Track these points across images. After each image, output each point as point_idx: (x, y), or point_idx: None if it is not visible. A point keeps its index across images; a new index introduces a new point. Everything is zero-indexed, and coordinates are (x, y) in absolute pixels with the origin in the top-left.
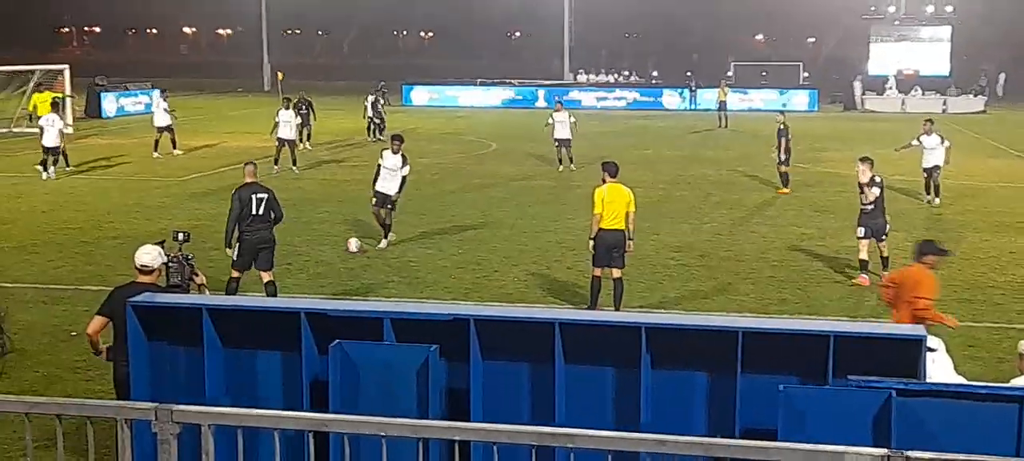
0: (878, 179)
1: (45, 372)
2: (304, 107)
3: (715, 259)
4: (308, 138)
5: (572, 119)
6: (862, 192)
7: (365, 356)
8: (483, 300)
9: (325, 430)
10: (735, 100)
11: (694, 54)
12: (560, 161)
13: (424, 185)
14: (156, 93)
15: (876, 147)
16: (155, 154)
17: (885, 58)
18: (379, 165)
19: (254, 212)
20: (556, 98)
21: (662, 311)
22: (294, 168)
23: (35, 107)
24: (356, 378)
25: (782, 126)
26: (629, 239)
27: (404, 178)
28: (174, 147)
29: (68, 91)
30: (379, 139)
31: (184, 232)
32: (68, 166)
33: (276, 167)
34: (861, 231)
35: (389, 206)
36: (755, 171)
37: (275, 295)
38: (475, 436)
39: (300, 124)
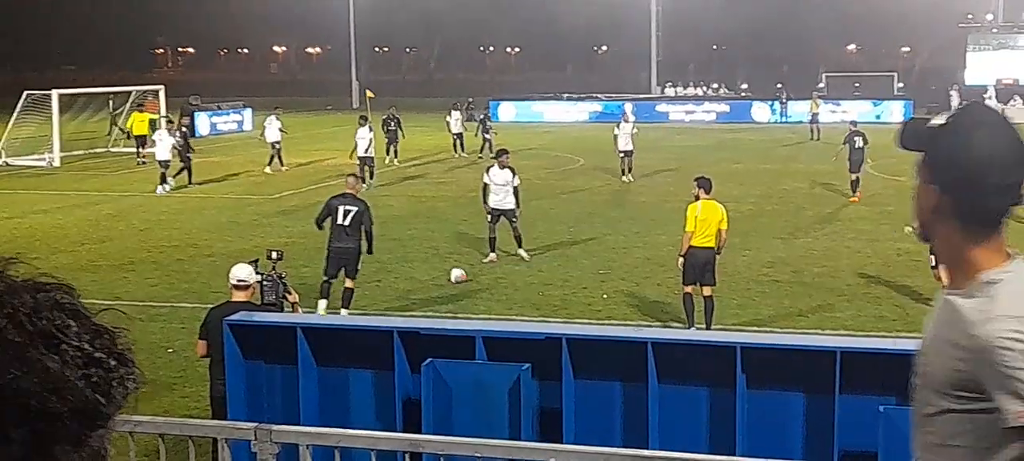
0: None
1: (144, 389)
2: (392, 123)
3: (809, 275)
4: (396, 155)
5: (634, 130)
6: None
7: (457, 374)
8: (572, 317)
9: (419, 451)
10: (827, 112)
11: (784, 66)
12: (623, 172)
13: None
14: (272, 116)
15: None
16: (267, 169)
17: (983, 67)
18: (485, 183)
19: (339, 221)
20: (624, 109)
21: (755, 328)
22: (371, 183)
23: (132, 126)
24: (448, 396)
25: (854, 136)
26: (717, 254)
27: (516, 189)
28: (281, 164)
29: (163, 111)
30: (485, 156)
31: (278, 251)
32: (190, 182)
33: (365, 183)
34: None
35: (513, 220)
36: (849, 185)
37: (349, 301)
38: (571, 459)
39: (388, 141)
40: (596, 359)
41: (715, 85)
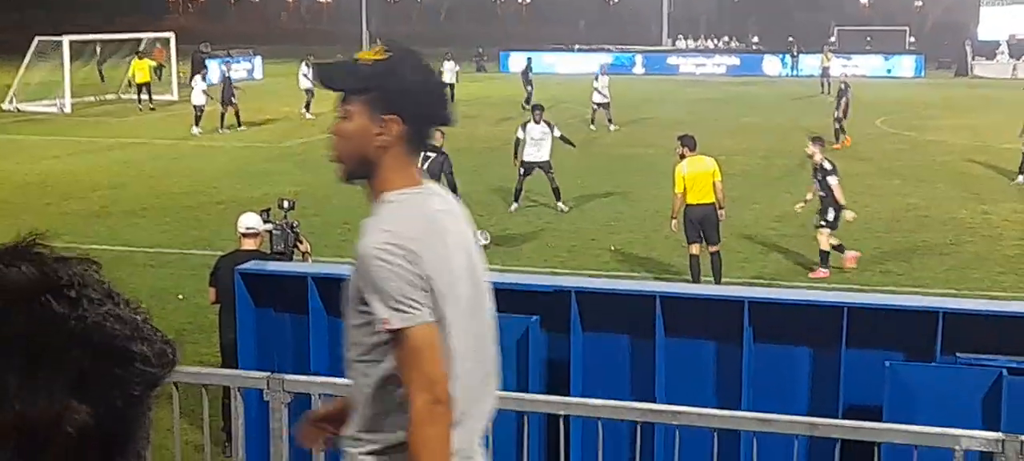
0: (828, 165)
1: None
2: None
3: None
4: None
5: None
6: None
7: None
8: (580, 269)
9: None
10: (838, 66)
11: (796, 17)
12: (609, 121)
13: None
14: (304, 63)
15: (984, 116)
16: (307, 115)
17: (997, 22)
18: (518, 138)
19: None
20: (602, 65)
21: (762, 282)
22: None
23: (135, 74)
24: None
25: (843, 86)
26: (720, 208)
27: (561, 138)
28: (308, 111)
29: (173, 58)
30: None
31: (290, 200)
32: (240, 125)
33: None
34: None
35: (549, 172)
36: (859, 139)
37: None
38: (580, 411)
39: None
40: (604, 312)
41: (726, 38)
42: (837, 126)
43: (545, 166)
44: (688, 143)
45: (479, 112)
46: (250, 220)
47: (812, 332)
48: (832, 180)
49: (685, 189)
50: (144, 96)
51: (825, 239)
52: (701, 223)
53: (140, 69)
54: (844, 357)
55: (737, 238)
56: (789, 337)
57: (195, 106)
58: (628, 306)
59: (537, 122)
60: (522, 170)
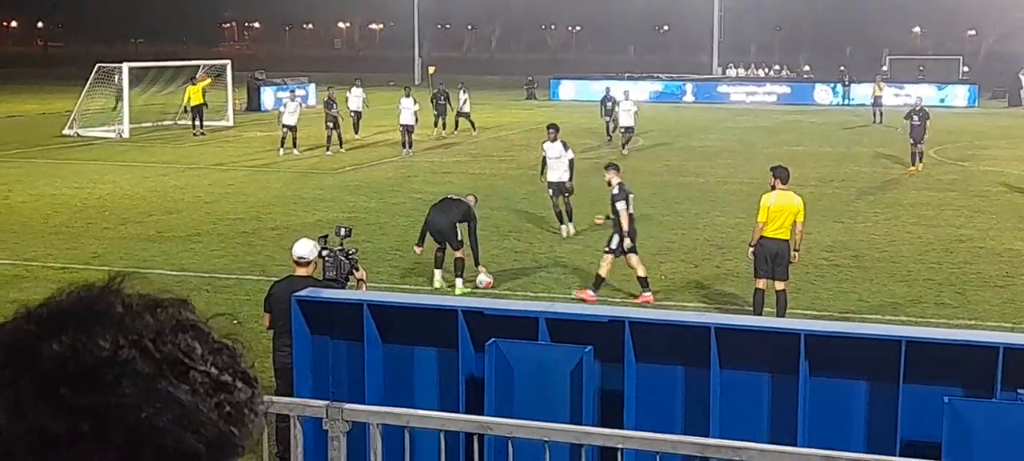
0: (616, 191)
1: None
2: (441, 98)
3: (870, 260)
4: (444, 127)
5: (635, 108)
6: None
7: (520, 355)
8: (629, 298)
9: (488, 433)
10: (890, 95)
11: (847, 48)
12: (624, 144)
13: None
14: (355, 87)
15: None
16: (356, 135)
17: None
18: (544, 158)
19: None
20: (624, 90)
21: (814, 312)
22: (408, 152)
23: (189, 99)
24: (511, 377)
25: (922, 111)
26: (794, 250)
27: (571, 162)
28: (356, 132)
29: (229, 85)
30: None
31: (346, 227)
32: (295, 148)
33: (405, 150)
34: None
35: (565, 194)
36: (909, 156)
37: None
38: (637, 445)
39: (437, 114)
40: (658, 343)
41: (777, 66)
42: (917, 150)
43: (560, 187)
44: (780, 175)
45: (528, 140)
46: (303, 249)
47: (869, 366)
48: (620, 205)
49: (766, 220)
50: (197, 120)
51: (607, 264)
52: (773, 258)
53: (194, 94)
54: (902, 392)
55: (792, 270)
56: (846, 371)
57: (286, 126)
58: (682, 337)
59: (553, 140)
60: (550, 191)
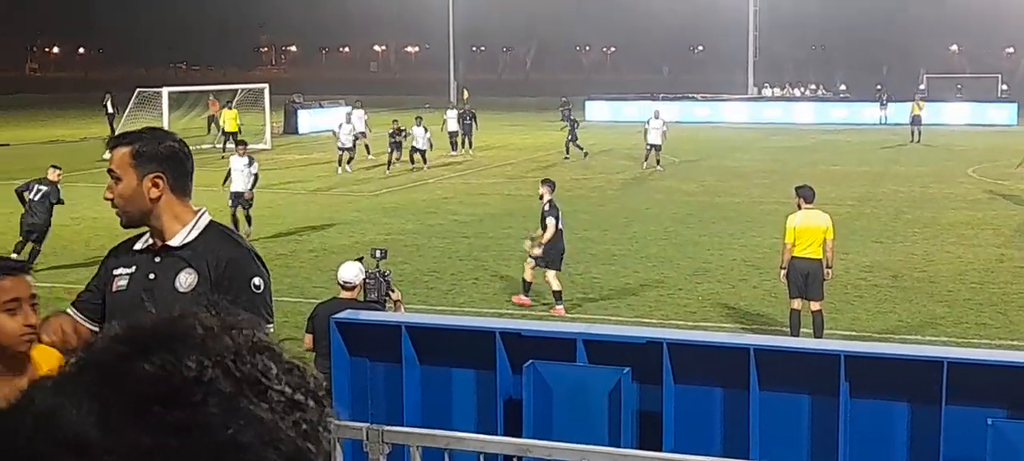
0: (547, 207)
1: None
2: (468, 118)
3: (909, 280)
4: (470, 146)
5: (665, 128)
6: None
7: (558, 377)
8: (667, 318)
9: (528, 455)
10: (931, 113)
11: (884, 67)
12: (645, 158)
13: (607, 200)
14: (354, 109)
15: None
16: (368, 156)
17: None
18: (229, 169)
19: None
20: (655, 110)
21: (853, 333)
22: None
23: (225, 123)
24: (549, 398)
25: None
26: (827, 268)
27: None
28: (368, 152)
29: (267, 108)
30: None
31: (381, 249)
32: (348, 165)
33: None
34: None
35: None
36: (950, 188)
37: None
38: None
39: (463, 134)
40: (697, 364)
41: (813, 85)
42: None
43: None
44: (805, 194)
45: (564, 161)
46: (348, 273)
47: (910, 387)
48: (550, 220)
49: (793, 241)
50: (230, 144)
51: (530, 270)
52: (806, 278)
53: (230, 118)
54: (944, 414)
55: (828, 288)
56: (887, 392)
57: (343, 148)
58: (721, 359)
59: (241, 155)
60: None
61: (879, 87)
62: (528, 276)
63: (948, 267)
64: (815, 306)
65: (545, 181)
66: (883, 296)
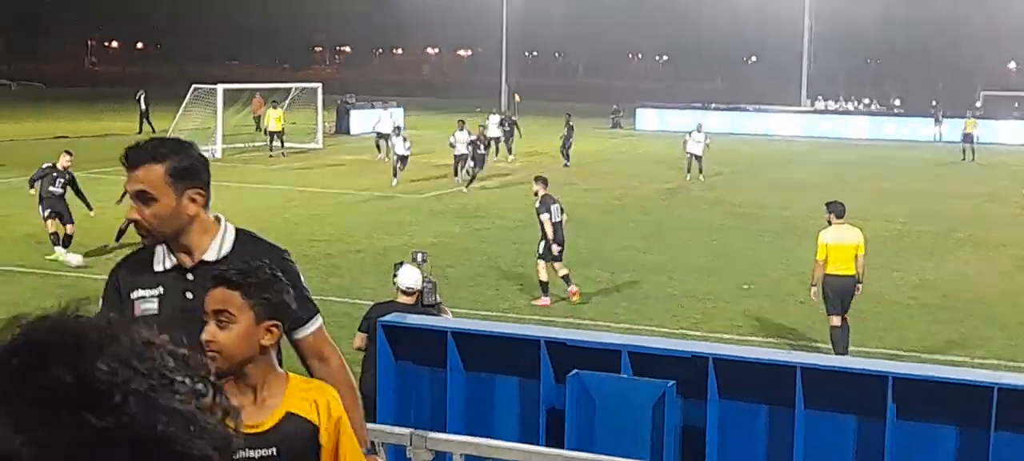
0: (539, 204)
1: None
2: (507, 124)
3: (960, 301)
4: (509, 152)
5: (707, 141)
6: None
7: (602, 388)
8: (712, 331)
9: None
10: (980, 131)
11: (940, 83)
12: (688, 169)
13: (654, 210)
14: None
15: None
16: (379, 156)
17: None
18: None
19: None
20: (698, 123)
21: (901, 352)
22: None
23: (269, 123)
24: (592, 409)
25: None
26: (858, 283)
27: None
28: (379, 152)
29: (319, 108)
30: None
31: (423, 253)
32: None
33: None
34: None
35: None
36: (1004, 208)
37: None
38: None
39: (504, 140)
40: (742, 380)
41: (866, 100)
42: None
43: None
44: (835, 210)
45: (612, 169)
46: (409, 279)
47: (959, 411)
48: (543, 217)
49: (826, 257)
50: (276, 143)
51: (543, 270)
52: (842, 294)
53: (274, 118)
54: (993, 440)
55: (875, 306)
56: (934, 416)
57: (400, 156)
58: (767, 376)
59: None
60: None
61: (934, 103)
62: (543, 277)
63: (1000, 288)
64: (843, 319)
65: (538, 178)
66: (932, 316)
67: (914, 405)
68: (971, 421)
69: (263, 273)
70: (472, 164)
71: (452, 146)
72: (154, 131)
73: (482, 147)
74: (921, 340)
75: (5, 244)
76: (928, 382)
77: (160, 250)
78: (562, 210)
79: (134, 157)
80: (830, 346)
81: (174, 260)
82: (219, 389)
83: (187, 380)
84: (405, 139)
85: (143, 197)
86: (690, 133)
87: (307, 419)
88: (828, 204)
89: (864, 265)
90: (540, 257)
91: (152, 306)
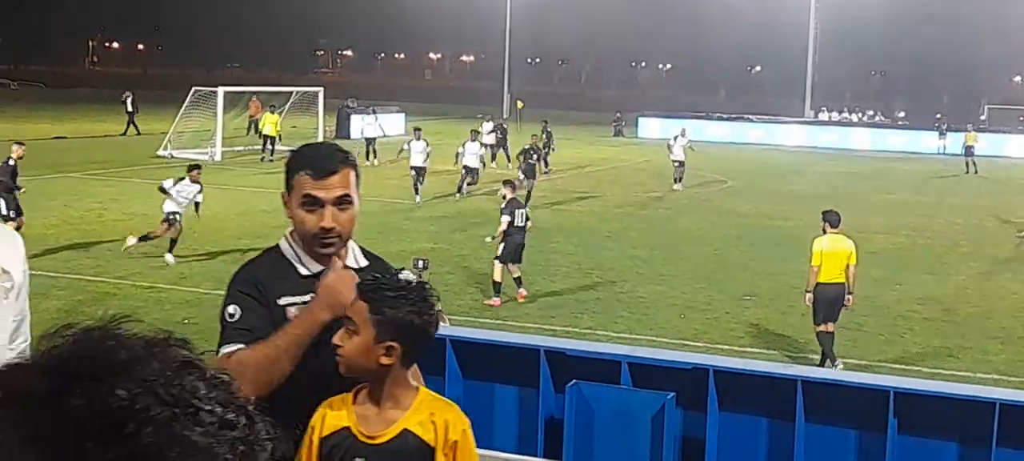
0: (503, 205)
1: None
2: (498, 132)
3: (962, 314)
4: (508, 159)
5: (691, 146)
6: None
7: (601, 398)
8: (713, 342)
9: None
10: (984, 145)
11: (945, 95)
12: (674, 180)
13: (657, 221)
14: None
15: None
16: (367, 162)
17: None
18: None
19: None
20: (682, 128)
21: (902, 366)
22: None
23: (264, 126)
24: (591, 420)
25: None
26: (848, 293)
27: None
28: (368, 159)
29: (321, 112)
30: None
31: (423, 259)
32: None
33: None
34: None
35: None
36: (1007, 222)
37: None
38: None
39: (495, 148)
40: (743, 392)
41: (871, 112)
42: None
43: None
44: (831, 219)
45: (614, 177)
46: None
47: (961, 427)
48: (504, 217)
49: (820, 265)
50: (269, 146)
51: (498, 271)
52: (833, 303)
53: (271, 123)
54: (995, 456)
55: (879, 319)
56: (936, 431)
57: (415, 168)
58: (768, 388)
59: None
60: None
61: (939, 116)
62: (496, 277)
63: (1003, 303)
64: (830, 327)
65: (506, 181)
66: (935, 330)
67: (915, 420)
68: (972, 436)
69: (393, 292)
70: (522, 177)
71: (458, 156)
72: (140, 133)
73: (533, 157)
74: (923, 354)
75: None
76: (930, 397)
77: (298, 254)
78: (527, 217)
79: (329, 163)
80: (837, 358)
81: (318, 265)
82: (254, 418)
83: (217, 408)
84: (426, 145)
85: (345, 201)
86: (675, 138)
87: (423, 439)
88: (824, 213)
89: (855, 275)
90: (497, 258)
91: None
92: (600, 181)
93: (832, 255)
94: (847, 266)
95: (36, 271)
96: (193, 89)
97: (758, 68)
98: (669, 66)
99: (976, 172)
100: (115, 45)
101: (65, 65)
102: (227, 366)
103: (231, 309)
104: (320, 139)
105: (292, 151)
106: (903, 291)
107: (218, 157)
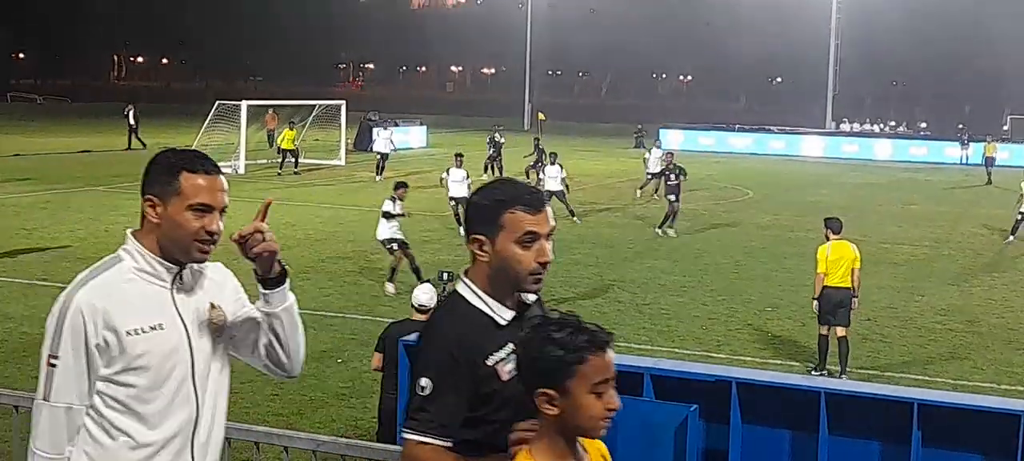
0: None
1: (311, 396)
2: (493, 148)
3: (985, 326)
4: (501, 172)
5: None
6: None
7: (624, 411)
8: (735, 353)
9: None
10: (1006, 155)
11: (966, 105)
12: (643, 186)
13: (678, 232)
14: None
15: None
16: (377, 178)
17: None
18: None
19: None
20: (668, 150)
21: (926, 377)
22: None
23: (282, 141)
24: (614, 433)
25: None
26: (854, 296)
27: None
28: (378, 175)
29: (343, 125)
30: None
31: (449, 272)
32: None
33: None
34: None
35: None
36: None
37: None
38: None
39: (491, 160)
40: (766, 405)
41: (892, 122)
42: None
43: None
44: (833, 226)
45: (635, 188)
46: (423, 297)
47: (985, 440)
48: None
49: (826, 270)
50: (289, 160)
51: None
52: (836, 306)
53: (288, 137)
54: None
55: (901, 331)
56: (960, 443)
57: (454, 199)
58: (791, 400)
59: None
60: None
61: (961, 126)
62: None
63: None
64: (841, 332)
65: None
66: (958, 341)
67: (939, 432)
68: (997, 449)
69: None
70: (673, 198)
71: (442, 181)
72: (145, 147)
73: (673, 176)
74: (947, 365)
75: (30, 257)
76: (954, 409)
77: (488, 302)
78: None
79: (541, 197)
80: (855, 370)
81: (510, 312)
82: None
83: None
84: (466, 174)
85: (549, 236)
86: (651, 150)
87: None
88: (826, 220)
89: (859, 278)
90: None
91: (512, 366)
92: (621, 192)
93: (836, 261)
94: (852, 270)
95: (62, 283)
96: (217, 102)
97: (779, 79)
98: (690, 77)
99: (990, 183)
100: (139, 59)
101: (90, 79)
102: (418, 455)
103: (424, 382)
104: (342, 152)
105: (483, 192)
106: (926, 302)
107: (242, 169)
